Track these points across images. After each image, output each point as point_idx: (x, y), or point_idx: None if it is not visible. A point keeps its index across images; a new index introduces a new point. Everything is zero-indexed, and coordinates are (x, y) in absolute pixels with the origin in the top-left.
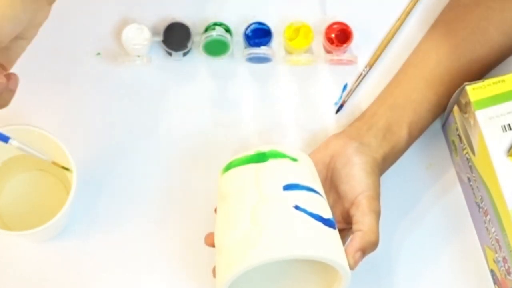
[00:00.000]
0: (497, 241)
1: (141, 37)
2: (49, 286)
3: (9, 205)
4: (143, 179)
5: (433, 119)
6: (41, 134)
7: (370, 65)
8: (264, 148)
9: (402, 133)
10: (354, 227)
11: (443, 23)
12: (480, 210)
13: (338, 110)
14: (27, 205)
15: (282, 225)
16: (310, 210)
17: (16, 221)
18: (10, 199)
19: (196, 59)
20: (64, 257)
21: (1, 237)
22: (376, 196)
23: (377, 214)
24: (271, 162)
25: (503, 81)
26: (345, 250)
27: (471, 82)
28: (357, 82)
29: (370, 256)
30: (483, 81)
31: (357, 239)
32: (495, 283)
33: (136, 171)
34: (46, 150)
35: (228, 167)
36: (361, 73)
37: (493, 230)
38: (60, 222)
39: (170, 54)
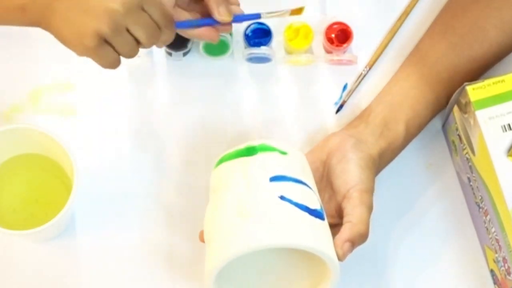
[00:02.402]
0: (497, 241)
1: None
2: (49, 286)
3: (10, 205)
4: (143, 179)
5: (431, 116)
6: (42, 134)
7: (370, 65)
8: (255, 142)
9: (399, 129)
10: (345, 219)
11: (441, 21)
12: (480, 210)
13: (338, 110)
14: (28, 205)
15: (267, 215)
16: (295, 200)
17: (17, 221)
18: (10, 199)
19: (196, 59)
20: (64, 257)
21: (1, 237)
22: (368, 190)
23: (368, 207)
24: (260, 155)
25: (503, 81)
26: (334, 241)
27: (471, 82)
28: (357, 82)
29: (369, 255)
30: (483, 81)
31: (345, 230)
32: (495, 283)
33: (136, 171)
34: (47, 150)
35: (219, 162)
36: (361, 73)
37: (493, 230)
38: (61, 222)
39: (170, 54)
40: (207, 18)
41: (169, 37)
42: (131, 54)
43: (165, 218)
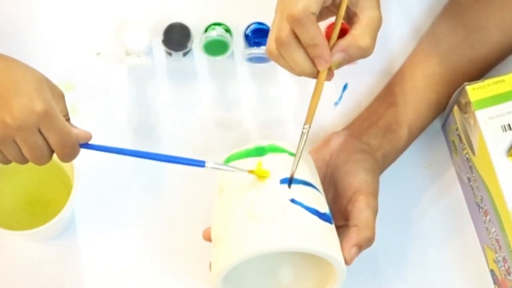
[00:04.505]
0: (497, 241)
1: (141, 37)
2: (49, 286)
3: (10, 205)
4: (143, 179)
5: (433, 118)
6: None
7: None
8: (264, 143)
9: (402, 131)
10: (351, 223)
11: (443, 22)
12: (480, 210)
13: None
14: (28, 205)
15: (278, 218)
16: (306, 203)
17: (17, 221)
18: (10, 199)
19: (196, 59)
20: (64, 257)
21: (1, 236)
22: (374, 193)
23: (374, 210)
24: (269, 156)
25: (503, 81)
26: (341, 245)
27: (471, 82)
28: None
29: (369, 255)
30: (483, 81)
31: (352, 234)
32: (495, 283)
33: (136, 171)
34: None
35: (227, 161)
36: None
37: (493, 230)
38: (61, 222)
39: (170, 54)
40: (119, 148)
41: (69, 160)
42: (20, 162)
43: (165, 218)
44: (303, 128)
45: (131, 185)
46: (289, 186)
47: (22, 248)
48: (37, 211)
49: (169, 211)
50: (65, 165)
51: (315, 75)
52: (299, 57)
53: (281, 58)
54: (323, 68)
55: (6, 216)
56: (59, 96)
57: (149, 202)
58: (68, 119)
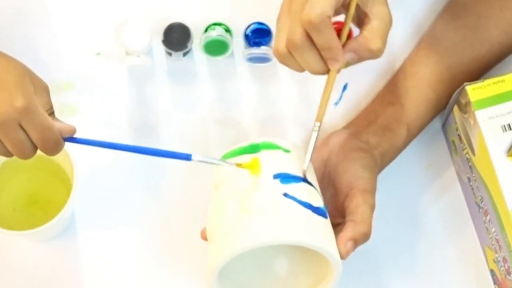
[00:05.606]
0: (497, 241)
1: (141, 37)
2: (49, 286)
3: (10, 205)
4: (143, 179)
5: (432, 117)
6: None
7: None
8: (257, 140)
9: (401, 130)
10: (347, 218)
11: (442, 21)
12: (480, 210)
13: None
14: (28, 205)
15: (271, 212)
16: (299, 198)
17: (17, 221)
18: (10, 199)
19: (196, 59)
20: (64, 257)
21: (1, 236)
22: (371, 190)
23: (371, 206)
24: (263, 153)
25: (503, 81)
26: (337, 240)
27: (471, 82)
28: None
29: (369, 255)
30: (483, 81)
31: (348, 228)
32: (495, 283)
33: (136, 171)
34: None
35: (222, 159)
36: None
37: (493, 230)
38: (60, 222)
39: (170, 54)
40: (104, 141)
41: (53, 154)
42: (5, 156)
43: (165, 218)
44: (314, 126)
45: (131, 185)
46: (305, 182)
47: (22, 248)
48: (37, 211)
49: (168, 211)
50: (65, 165)
51: (326, 73)
52: (311, 58)
53: (289, 58)
54: (335, 68)
55: (6, 216)
56: (42, 89)
57: (149, 202)
58: (52, 113)
